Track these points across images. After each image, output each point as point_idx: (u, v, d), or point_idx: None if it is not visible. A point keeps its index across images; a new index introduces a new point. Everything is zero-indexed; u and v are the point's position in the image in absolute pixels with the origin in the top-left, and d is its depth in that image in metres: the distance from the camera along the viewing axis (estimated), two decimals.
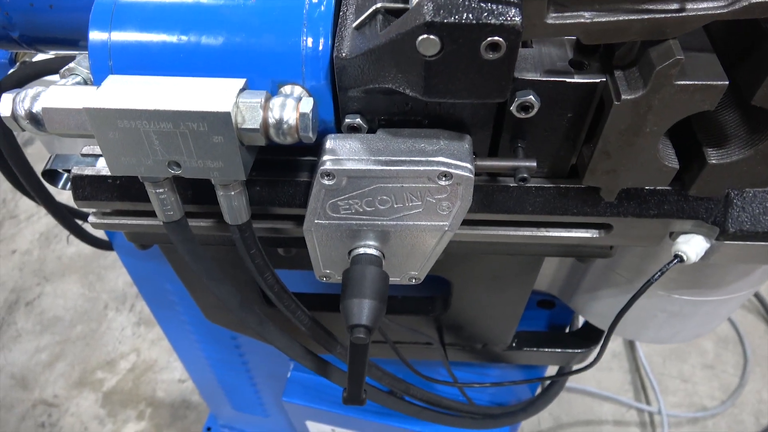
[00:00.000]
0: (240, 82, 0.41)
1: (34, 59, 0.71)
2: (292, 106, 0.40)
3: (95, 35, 0.44)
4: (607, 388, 1.87)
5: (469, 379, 1.03)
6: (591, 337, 0.88)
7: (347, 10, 0.43)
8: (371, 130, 0.45)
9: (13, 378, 1.86)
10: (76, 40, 0.62)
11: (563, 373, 0.89)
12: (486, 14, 0.33)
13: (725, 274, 0.64)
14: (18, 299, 2.05)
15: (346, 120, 0.45)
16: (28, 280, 2.10)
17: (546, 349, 0.87)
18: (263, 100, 0.40)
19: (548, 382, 1.02)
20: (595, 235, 0.52)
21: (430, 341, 0.82)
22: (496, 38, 0.34)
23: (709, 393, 1.88)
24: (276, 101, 0.40)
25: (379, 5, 0.40)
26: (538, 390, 1.05)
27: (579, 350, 0.87)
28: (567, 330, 0.94)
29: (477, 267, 0.65)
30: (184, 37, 0.43)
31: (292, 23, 0.43)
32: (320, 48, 0.43)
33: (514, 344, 0.85)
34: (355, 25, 0.41)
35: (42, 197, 0.69)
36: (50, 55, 0.65)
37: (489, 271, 0.65)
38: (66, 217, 0.77)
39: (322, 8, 0.43)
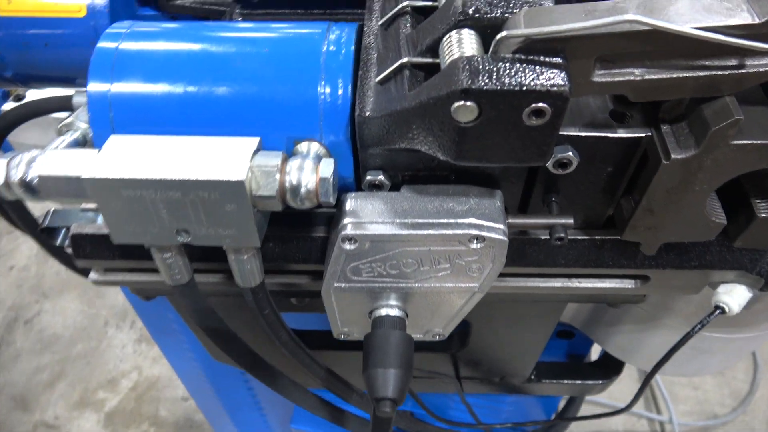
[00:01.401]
0: (253, 143, 0.38)
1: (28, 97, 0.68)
2: (310, 169, 0.37)
3: (95, 86, 0.40)
4: (618, 398, 1.84)
5: (483, 404, 1.00)
6: (611, 367, 0.85)
7: (368, 59, 0.40)
8: (394, 186, 0.42)
9: (13, 399, 1.83)
10: (73, 78, 0.59)
11: (596, 416, 0.84)
12: (531, 80, 0.30)
13: (759, 313, 0.61)
14: (17, 317, 2.02)
15: (368, 177, 0.41)
16: (27, 297, 2.06)
17: (565, 381, 0.84)
18: (279, 163, 0.37)
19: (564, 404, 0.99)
20: (630, 286, 0.49)
21: (446, 375, 0.79)
22: (541, 105, 0.31)
23: (719, 400, 1.85)
24: (293, 164, 0.37)
25: (405, 60, 0.36)
26: (554, 415, 1.02)
27: (599, 381, 0.84)
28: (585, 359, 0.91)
29: (499, 310, 0.62)
30: (191, 89, 0.40)
31: (308, 74, 0.40)
32: (339, 101, 0.39)
33: (533, 377, 0.82)
34: (378, 79, 0.38)
35: (28, 227, 0.65)
36: (45, 93, 0.62)
37: (512, 313, 0.62)
38: (55, 248, 0.72)
39: (341, 57, 0.40)
